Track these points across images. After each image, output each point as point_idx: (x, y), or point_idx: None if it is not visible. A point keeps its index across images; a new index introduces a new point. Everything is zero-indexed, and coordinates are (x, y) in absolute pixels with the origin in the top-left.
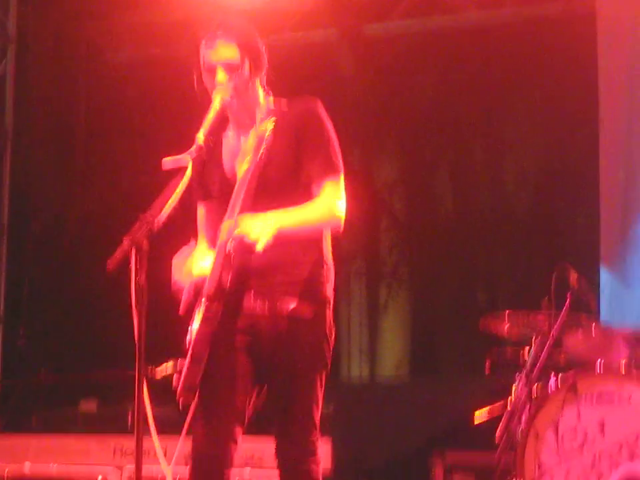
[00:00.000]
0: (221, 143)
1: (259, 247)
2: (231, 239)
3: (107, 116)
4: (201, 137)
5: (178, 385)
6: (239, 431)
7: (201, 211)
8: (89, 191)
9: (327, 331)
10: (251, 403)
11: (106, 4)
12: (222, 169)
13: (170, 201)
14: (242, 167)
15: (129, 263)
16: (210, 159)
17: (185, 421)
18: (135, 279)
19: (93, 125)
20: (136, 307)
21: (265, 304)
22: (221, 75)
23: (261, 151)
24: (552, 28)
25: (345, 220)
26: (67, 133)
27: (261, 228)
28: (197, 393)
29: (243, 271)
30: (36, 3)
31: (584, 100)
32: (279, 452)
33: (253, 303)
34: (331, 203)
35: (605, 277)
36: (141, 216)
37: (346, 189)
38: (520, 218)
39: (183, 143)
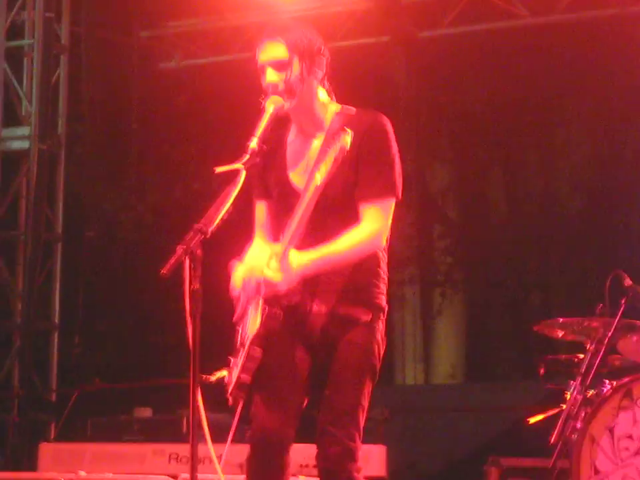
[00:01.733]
0: (285, 144)
1: (280, 292)
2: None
3: (159, 124)
4: (253, 143)
5: (229, 382)
6: (295, 422)
7: (260, 209)
8: (143, 199)
9: (380, 339)
10: (306, 403)
11: (157, 12)
12: (285, 172)
13: (223, 209)
14: (306, 175)
15: (183, 271)
16: (273, 160)
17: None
18: (190, 286)
19: (146, 133)
20: (190, 314)
21: (321, 307)
22: (270, 74)
23: (329, 166)
24: (605, 30)
25: (399, 226)
26: (120, 141)
27: (284, 281)
28: (253, 390)
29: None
30: (88, 11)
31: (637, 102)
32: (320, 455)
33: (310, 306)
34: (370, 230)
35: None
36: (194, 225)
37: (400, 195)
38: (573, 223)
39: (236, 149)
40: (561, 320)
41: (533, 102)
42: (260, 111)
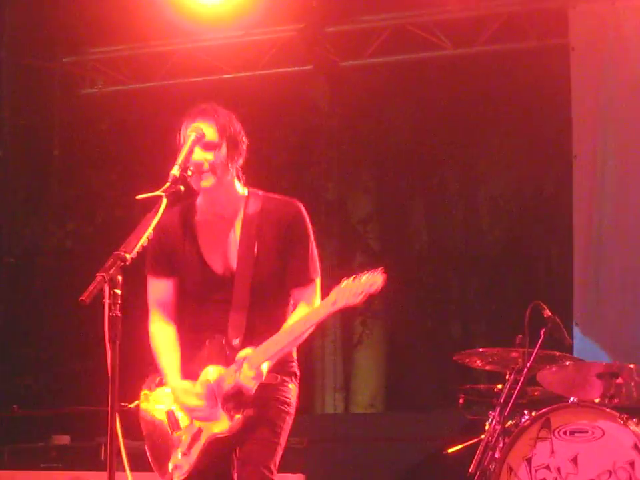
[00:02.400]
0: (194, 224)
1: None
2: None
3: (81, 150)
4: (175, 171)
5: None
6: None
7: (161, 287)
8: (63, 225)
9: (294, 390)
10: None
11: (79, 38)
12: (201, 255)
13: (143, 236)
14: (225, 260)
15: (103, 298)
16: (184, 240)
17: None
18: (109, 313)
19: (67, 159)
20: (110, 341)
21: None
22: (198, 153)
23: (255, 250)
24: (526, 62)
25: (321, 255)
26: (42, 166)
27: (255, 382)
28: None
29: None
30: (10, 36)
31: (558, 134)
32: None
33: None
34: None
35: (578, 313)
36: (114, 252)
37: (322, 222)
38: (494, 253)
39: (157, 176)
40: (481, 350)
41: (454, 132)
42: (181, 141)
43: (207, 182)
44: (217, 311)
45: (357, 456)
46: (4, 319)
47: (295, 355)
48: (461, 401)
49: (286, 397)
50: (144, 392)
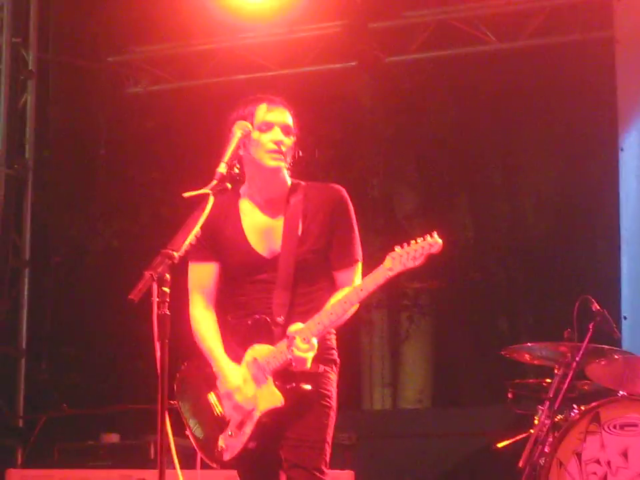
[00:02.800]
0: (238, 207)
1: (307, 366)
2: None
3: (126, 149)
4: (221, 168)
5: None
6: None
7: (205, 271)
8: (110, 225)
9: (333, 385)
10: None
11: (124, 37)
12: (245, 239)
13: (190, 234)
14: (270, 243)
15: (151, 296)
16: (226, 224)
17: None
18: (158, 311)
19: (113, 158)
20: (158, 339)
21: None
22: (279, 133)
23: (298, 230)
24: (570, 56)
25: (367, 251)
26: (88, 166)
27: (310, 354)
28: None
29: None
30: (55, 37)
31: (603, 126)
32: None
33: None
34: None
35: (627, 305)
36: (161, 250)
37: (367, 218)
38: (540, 247)
39: (203, 174)
40: (529, 344)
41: (498, 126)
42: (227, 138)
43: (276, 162)
44: (259, 291)
45: (406, 452)
46: (52, 318)
47: (334, 341)
48: (509, 395)
49: (327, 390)
50: (185, 367)
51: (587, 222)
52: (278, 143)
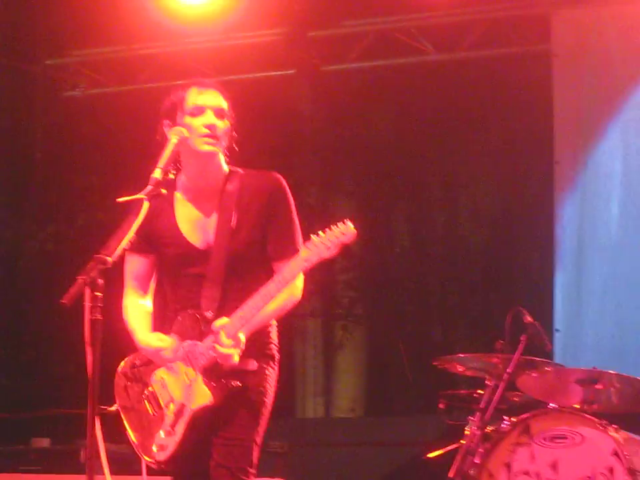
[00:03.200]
0: (172, 199)
1: (230, 364)
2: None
3: (63, 152)
4: (157, 174)
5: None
6: None
7: (136, 262)
8: (44, 228)
9: (272, 379)
10: None
11: (63, 40)
12: (178, 231)
13: (124, 239)
14: (203, 234)
15: (83, 301)
16: (160, 216)
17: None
18: (90, 316)
19: (49, 162)
20: (90, 344)
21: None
22: (211, 116)
23: (232, 221)
24: (509, 68)
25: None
26: (23, 169)
27: (235, 350)
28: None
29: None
30: None
31: (540, 140)
32: None
33: (235, 387)
34: (293, 290)
35: (560, 318)
36: (95, 255)
37: (302, 225)
38: (475, 258)
39: (139, 179)
40: (461, 355)
41: (437, 137)
42: (162, 143)
43: (210, 147)
44: (191, 285)
45: (338, 460)
46: None
47: (274, 336)
48: (441, 405)
49: (261, 387)
50: (121, 368)
51: (522, 234)
52: (210, 127)
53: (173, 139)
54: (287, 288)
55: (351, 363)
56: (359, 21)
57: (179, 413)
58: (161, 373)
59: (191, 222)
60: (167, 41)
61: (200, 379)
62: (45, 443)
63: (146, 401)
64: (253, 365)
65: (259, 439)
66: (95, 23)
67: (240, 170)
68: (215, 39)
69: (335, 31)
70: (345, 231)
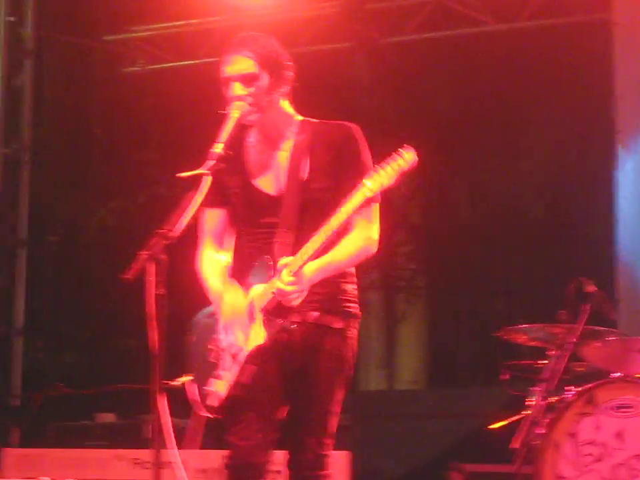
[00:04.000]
0: (245, 153)
1: (292, 304)
2: (275, 290)
3: (123, 128)
4: (218, 149)
5: (209, 393)
6: (273, 441)
7: (213, 216)
8: (106, 204)
9: (353, 346)
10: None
11: (121, 16)
12: (248, 181)
13: (187, 215)
14: (276, 181)
15: (146, 276)
16: (232, 169)
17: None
18: (153, 291)
19: (110, 138)
20: (154, 319)
21: (298, 316)
22: (238, 88)
23: (306, 169)
24: (569, 37)
25: None
26: (84, 145)
27: (297, 291)
28: (229, 406)
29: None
30: (52, 15)
31: (601, 109)
32: (291, 463)
33: (289, 327)
34: (365, 236)
35: (622, 288)
36: (157, 230)
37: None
38: (536, 229)
39: (200, 154)
40: (524, 325)
41: (496, 108)
42: (224, 118)
43: (253, 116)
44: (265, 233)
45: (401, 432)
46: (48, 297)
47: (353, 292)
48: (504, 376)
49: (343, 352)
50: (202, 314)
51: (583, 204)
52: (239, 99)
53: (234, 115)
54: (362, 237)
55: (412, 335)
56: None
57: (235, 356)
58: (226, 319)
59: (264, 170)
60: (225, 15)
61: (259, 320)
62: (109, 418)
63: (209, 346)
64: (337, 322)
65: (336, 407)
66: None
67: (313, 120)
68: (273, 12)
69: (393, 2)
70: (406, 157)
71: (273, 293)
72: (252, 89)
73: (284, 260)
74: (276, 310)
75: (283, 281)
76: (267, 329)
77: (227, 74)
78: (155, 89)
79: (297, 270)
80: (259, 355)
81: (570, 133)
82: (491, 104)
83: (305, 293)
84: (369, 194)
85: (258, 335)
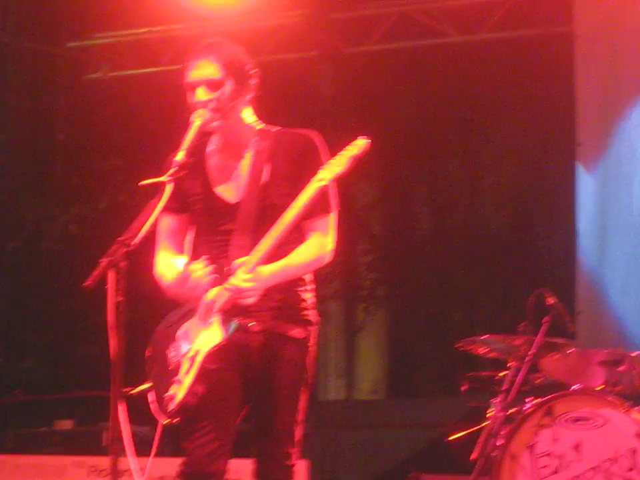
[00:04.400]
0: (206, 161)
1: (247, 302)
2: (227, 288)
3: (85, 135)
4: (179, 157)
5: (169, 399)
6: (230, 449)
7: (169, 222)
8: (67, 210)
9: (312, 353)
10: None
11: (84, 23)
12: (209, 189)
13: (147, 222)
14: (236, 188)
15: (106, 284)
16: (193, 176)
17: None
18: (113, 299)
19: (71, 144)
20: (114, 326)
21: (255, 325)
22: (201, 93)
23: (263, 175)
24: (530, 49)
25: None
26: (46, 151)
27: (252, 289)
28: (188, 413)
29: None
30: (15, 20)
31: (561, 121)
32: (258, 473)
33: (246, 325)
34: (321, 244)
35: (582, 300)
36: (118, 238)
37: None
38: (497, 240)
39: (162, 161)
40: (485, 337)
41: (458, 119)
42: (186, 125)
43: (215, 123)
44: (222, 240)
45: (360, 442)
46: (7, 303)
47: (310, 300)
48: (463, 387)
49: (303, 362)
50: (158, 327)
51: (544, 215)
52: (199, 105)
53: (196, 122)
54: (317, 245)
55: (372, 344)
56: (380, 3)
57: (192, 359)
58: (185, 325)
59: (224, 178)
60: (188, 23)
61: (216, 320)
62: (68, 424)
63: (169, 354)
64: (298, 331)
65: (300, 416)
66: (117, 5)
67: (273, 128)
68: (236, 20)
69: (357, 12)
70: (357, 143)
71: (227, 289)
72: (216, 94)
73: (239, 260)
74: (232, 310)
75: (238, 278)
76: (224, 329)
77: (191, 79)
78: (117, 95)
79: (252, 267)
80: (217, 355)
81: (531, 145)
82: (453, 115)
83: (259, 292)
84: (321, 183)
85: (215, 335)
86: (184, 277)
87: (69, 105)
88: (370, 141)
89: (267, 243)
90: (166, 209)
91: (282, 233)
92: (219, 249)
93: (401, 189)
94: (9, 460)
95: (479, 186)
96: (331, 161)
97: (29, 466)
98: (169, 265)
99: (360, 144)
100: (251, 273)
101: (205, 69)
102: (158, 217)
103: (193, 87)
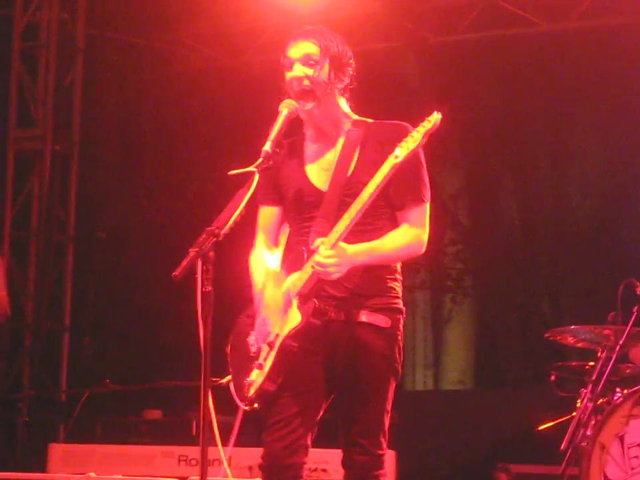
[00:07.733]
0: (302, 149)
1: (332, 278)
2: (314, 264)
3: (173, 126)
4: (267, 147)
5: (250, 384)
6: (310, 441)
7: (267, 213)
8: (155, 201)
9: (400, 343)
10: (322, 413)
11: (173, 14)
12: (304, 176)
13: (235, 212)
14: (328, 176)
15: (195, 274)
16: (287, 165)
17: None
18: (202, 289)
19: (159, 135)
20: (202, 316)
21: (340, 314)
22: (297, 68)
23: (352, 164)
24: (618, 37)
25: None
26: (134, 142)
27: (336, 264)
28: (267, 401)
29: (322, 281)
30: (104, 13)
31: None
32: (347, 463)
33: (331, 313)
34: (415, 234)
35: None
36: (206, 228)
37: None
38: (585, 229)
39: (250, 152)
40: (573, 327)
41: (545, 108)
42: (274, 115)
43: (308, 105)
44: (306, 227)
45: (447, 432)
46: (96, 293)
47: (399, 289)
48: (552, 377)
49: (393, 353)
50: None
51: (632, 205)
52: (296, 80)
53: (284, 111)
54: (412, 233)
55: (459, 335)
56: None
57: (271, 344)
58: (265, 312)
59: (316, 167)
60: (274, 14)
61: (295, 304)
62: (156, 414)
63: (249, 341)
64: (384, 321)
65: (389, 405)
66: None
67: (369, 120)
68: (323, 11)
69: (443, 2)
70: (430, 119)
71: (313, 267)
72: (312, 71)
73: (319, 240)
74: (311, 293)
75: (322, 255)
76: (302, 311)
77: (289, 54)
78: (204, 87)
79: (334, 243)
80: (297, 338)
81: (619, 134)
82: (540, 104)
83: (344, 268)
84: (397, 160)
85: (294, 319)
86: (259, 298)
87: (157, 97)
88: (441, 116)
89: (344, 222)
90: (261, 201)
91: (359, 212)
92: (302, 237)
93: (487, 179)
94: (98, 449)
95: (566, 176)
96: (407, 138)
97: (118, 455)
98: (259, 265)
99: (434, 119)
100: (333, 249)
101: (305, 48)
102: (247, 209)
103: (291, 62)
